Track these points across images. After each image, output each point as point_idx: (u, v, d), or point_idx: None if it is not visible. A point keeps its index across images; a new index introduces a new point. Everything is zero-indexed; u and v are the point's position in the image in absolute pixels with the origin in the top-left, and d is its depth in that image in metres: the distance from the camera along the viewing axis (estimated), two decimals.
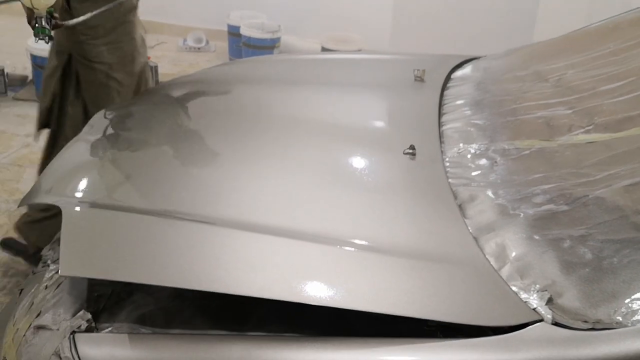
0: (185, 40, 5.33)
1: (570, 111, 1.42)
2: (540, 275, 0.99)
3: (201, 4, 5.49)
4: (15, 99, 3.99)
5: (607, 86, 1.45)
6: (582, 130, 1.33)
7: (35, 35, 1.86)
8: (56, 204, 1.23)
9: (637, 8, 1.85)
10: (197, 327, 0.99)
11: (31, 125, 3.64)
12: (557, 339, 0.88)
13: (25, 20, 1.82)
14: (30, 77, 4.14)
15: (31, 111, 3.85)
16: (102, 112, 1.66)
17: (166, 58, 4.98)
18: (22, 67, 4.17)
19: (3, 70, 3.97)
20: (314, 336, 0.94)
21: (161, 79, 4.20)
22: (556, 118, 1.41)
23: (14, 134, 3.55)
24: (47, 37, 1.85)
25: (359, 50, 4.49)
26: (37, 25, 1.83)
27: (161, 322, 1.00)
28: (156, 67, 4.22)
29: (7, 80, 4.01)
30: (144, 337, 0.96)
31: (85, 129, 1.58)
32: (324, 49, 4.58)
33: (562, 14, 3.75)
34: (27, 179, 3.05)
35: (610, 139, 1.27)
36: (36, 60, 3.94)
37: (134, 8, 2.21)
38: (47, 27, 1.84)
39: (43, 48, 3.90)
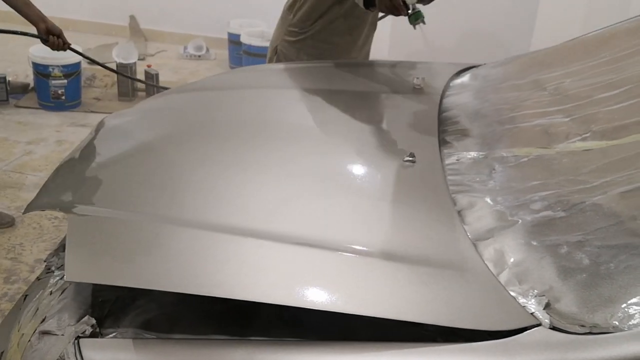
0: (185, 48, 5.36)
1: (567, 119, 1.43)
2: (538, 280, 1.00)
3: (201, 12, 5.52)
4: (17, 106, 4.01)
5: (603, 94, 1.47)
6: (579, 137, 1.34)
7: (411, 22, 1.90)
8: (60, 210, 1.24)
9: (634, 17, 1.87)
10: (201, 332, 0.99)
11: (32, 132, 3.67)
12: (555, 343, 0.89)
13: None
14: (31, 84, 4.16)
15: (32, 118, 3.87)
16: (106, 118, 1.67)
17: (167, 66, 5.01)
18: (24, 75, 4.19)
19: (5, 77, 3.99)
20: (316, 340, 0.95)
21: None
22: (554, 126, 1.43)
23: (16, 141, 3.57)
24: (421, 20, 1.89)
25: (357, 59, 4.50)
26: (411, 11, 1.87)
27: (165, 328, 1.00)
28: (157, 74, 4.25)
29: (9, 87, 4.03)
30: (148, 342, 0.97)
31: (89, 135, 1.59)
32: None
33: (559, 23, 3.77)
34: (29, 186, 3.06)
35: (606, 146, 1.28)
36: (38, 68, 3.95)
37: (340, 31, 2.30)
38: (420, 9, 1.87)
39: (44, 56, 3.93)
